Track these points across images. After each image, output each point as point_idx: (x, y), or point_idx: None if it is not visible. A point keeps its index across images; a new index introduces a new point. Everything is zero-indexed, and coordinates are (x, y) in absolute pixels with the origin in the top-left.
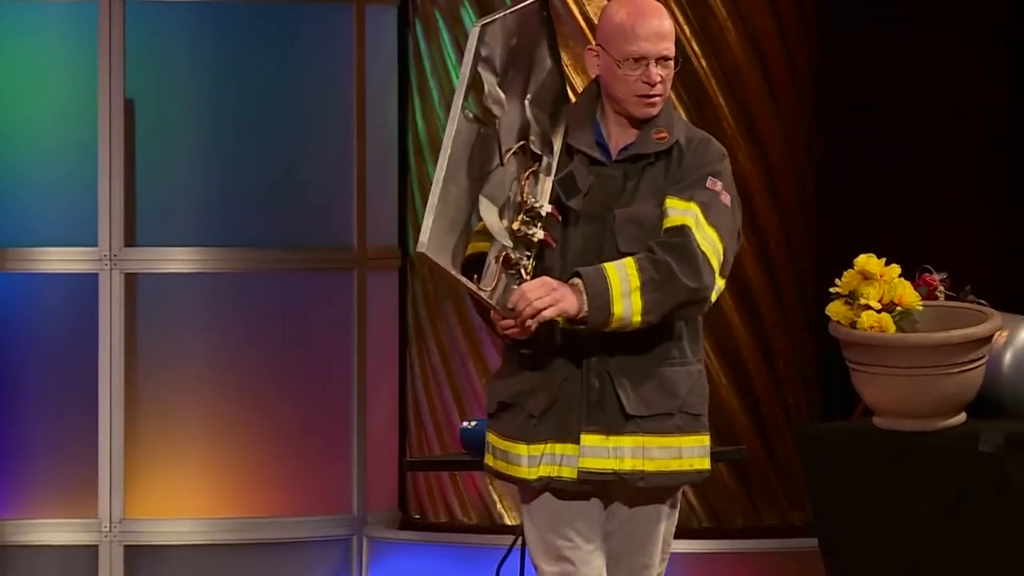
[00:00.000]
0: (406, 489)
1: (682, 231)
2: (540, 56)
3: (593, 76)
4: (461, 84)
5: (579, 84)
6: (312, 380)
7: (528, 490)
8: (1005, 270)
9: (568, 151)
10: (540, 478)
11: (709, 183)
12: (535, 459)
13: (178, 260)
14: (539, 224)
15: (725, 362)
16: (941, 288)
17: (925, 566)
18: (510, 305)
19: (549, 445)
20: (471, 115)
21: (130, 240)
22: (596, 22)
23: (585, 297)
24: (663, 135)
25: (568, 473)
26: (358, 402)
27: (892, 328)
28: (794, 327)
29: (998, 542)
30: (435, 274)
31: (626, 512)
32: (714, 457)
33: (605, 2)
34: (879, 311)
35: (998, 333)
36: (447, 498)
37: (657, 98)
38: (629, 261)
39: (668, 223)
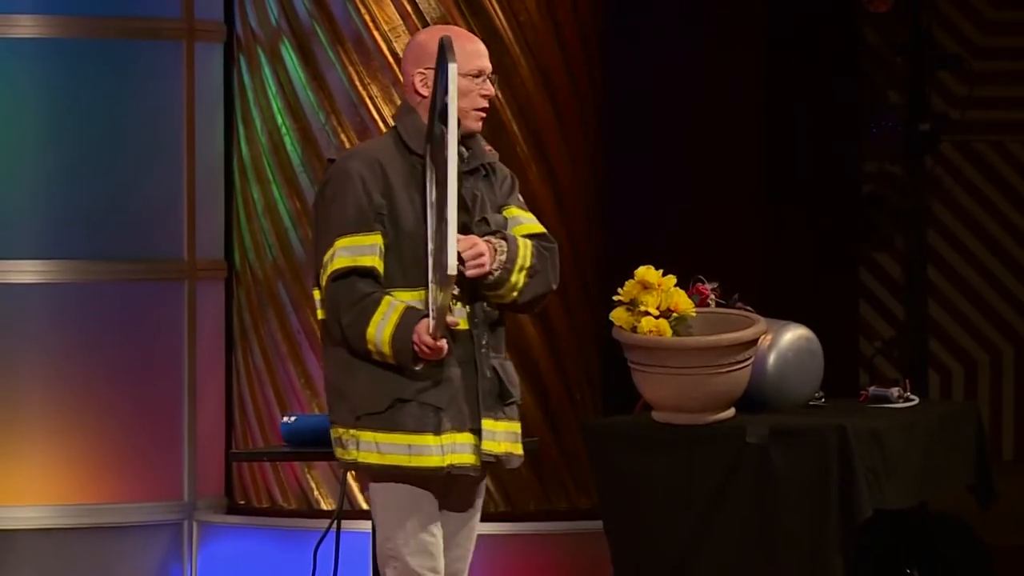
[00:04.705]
0: (232, 478)
1: (548, 238)
2: None
3: (421, 99)
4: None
5: (387, 114)
6: (147, 380)
7: (395, 481)
8: (769, 279)
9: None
10: (450, 465)
11: (520, 197)
12: (446, 448)
13: (23, 271)
14: None
15: (518, 361)
16: (712, 296)
17: (696, 545)
18: (480, 261)
19: (450, 435)
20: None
21: None
22: (402, 57)
23: (502, 258)
24: (491, 148)
25: (466, 459)
26: (188, 399)
27: (669, 332)
28: (580, 330)
29: (762, 525)
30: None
31: (468, 493)
32: None
33: (409, 39)
34: (657, 317)
35: (763, 337)
36: (269, 486)
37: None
38: (528, 243)
39: (525, 230)
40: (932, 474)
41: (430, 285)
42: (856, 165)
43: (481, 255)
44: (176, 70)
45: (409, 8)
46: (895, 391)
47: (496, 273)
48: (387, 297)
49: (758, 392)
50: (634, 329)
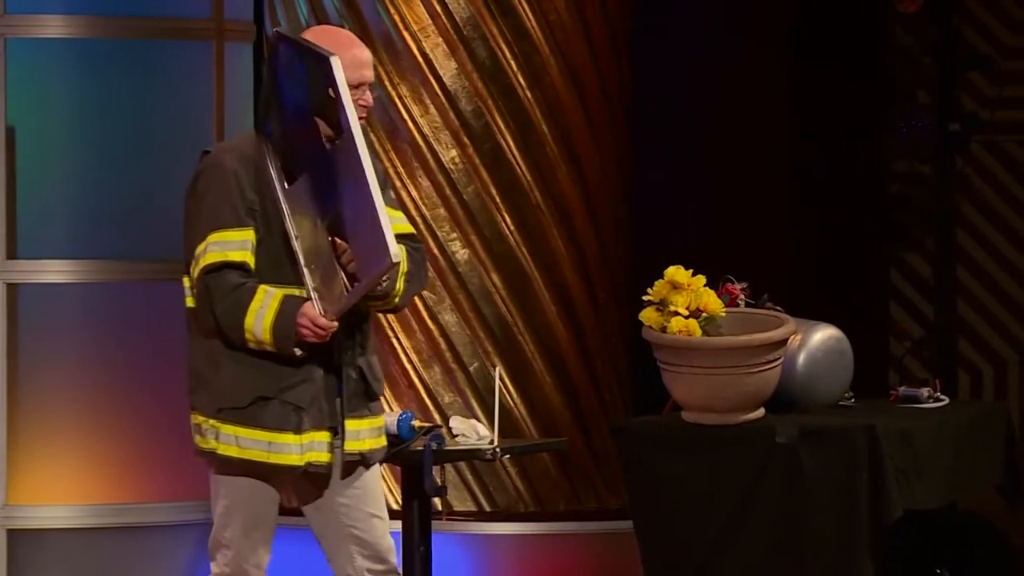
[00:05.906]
0: None
1: (416, 239)
2: None
3: None
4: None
5: (416, 114)
6: (175, 379)
7: (249, 476)
8: (798, 279)
9: None
10: (308, 463)
11: (392, 193)
12: (304, 447)
13: (54, 271)
14: None
15: (548, 362)
16: (742, 296)
17: (726, 544)
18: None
19: (311, 434)
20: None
21: (11, 253)
22: (431, 57)
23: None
24: None
25: (322, 457)
26: None
27: (698, 332)
28: (609, 330)
29: (791, 525)
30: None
31: (359, 482)
32: (539, 448)
33: (438, 39)
34: (687, 317)
35: (792, 337)
36: None
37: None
38: (403, 247)
39: (396, 229)
40: (961, 474)
41: (304, 269)
42: (885, 165)
43: None
44: (206, 70)
45: (439, 8)
46: (925, 391)
47: (385, 284)
48: (262, 286)
49: (788, 392)
50: (664, 329)
